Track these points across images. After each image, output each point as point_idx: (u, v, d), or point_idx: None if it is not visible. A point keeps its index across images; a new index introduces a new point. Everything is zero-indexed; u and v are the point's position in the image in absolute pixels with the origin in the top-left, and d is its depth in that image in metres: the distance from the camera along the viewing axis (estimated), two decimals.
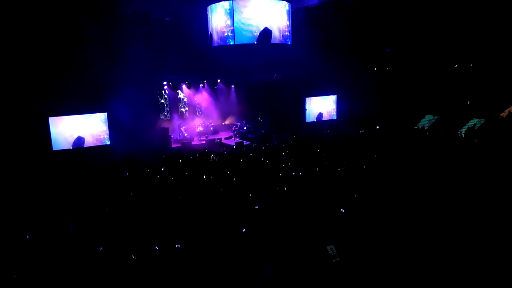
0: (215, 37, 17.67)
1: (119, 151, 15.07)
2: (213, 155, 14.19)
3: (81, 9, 14.97)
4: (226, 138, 19.94)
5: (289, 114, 20.42)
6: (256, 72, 20.52)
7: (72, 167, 13.22)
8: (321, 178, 10.55)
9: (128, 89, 15.73)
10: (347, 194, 8.78)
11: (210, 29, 18.01)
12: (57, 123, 14.91)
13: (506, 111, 17.22)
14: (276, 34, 17.22)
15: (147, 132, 16.41)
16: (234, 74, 20.63)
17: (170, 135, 18.24)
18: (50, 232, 7.36)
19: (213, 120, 21.49)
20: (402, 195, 8.53)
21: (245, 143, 18.15)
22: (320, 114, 21.04)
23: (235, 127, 20.87)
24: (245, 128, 21.02)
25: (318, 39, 18.87)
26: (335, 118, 21.51)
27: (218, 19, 17.18)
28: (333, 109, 21.47)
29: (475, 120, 17.77)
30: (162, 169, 12.36)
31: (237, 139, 19.43)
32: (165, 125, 18.93)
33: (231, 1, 16.55)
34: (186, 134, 19.69)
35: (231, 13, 16.61)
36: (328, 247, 5.93)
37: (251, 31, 16.87)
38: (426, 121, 19.89)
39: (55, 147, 14.82)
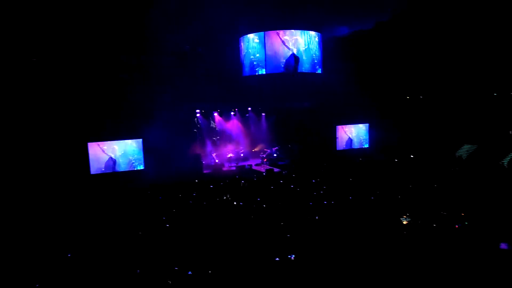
0: (246, 66, 18.12)
1: (152, 176, 15.47)
2: (244, 181, 14.24)
3: (123, 43, 15.90)
4: (256, 165, 19.99)
5: (320, 142, 20.31)
6: (287, 100, 20.72)
7: (108, 190, 13.67)
8: (353, 207, 10.30)
9: (162, 116, 16.31)
10: (379, 224, 8.50)
11: (241, 59, 18.52)
12: (95, 148, 15.57)
13: None
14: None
15: (180, 157, 16.78)
16: (264, 102, 20.95)
17: (202, 161, 18.53)
18: (86, 252, 7.54)
19: (244, 147, 21.69)
20: (438, 226, 8.16)
21: (275, 170, 18.12)
22: (352, 142, 20.82)
23: (265, 154, 20.94)
24: (275, 155, 21.03)
25: (349, 67, 18.92)
26: (367, 146, 21.22)
27: (249, 49, 17.67)
28: (365, 137, 21.21)
29: None
30: (194, 194, 12.50)
31: (267, 166, 19.43)
32: (197, 151, 19.29)
33: (262, 32, 17.04)
34: (217, 161, 19.93)
35: (262, 44, 17.06)
36: None
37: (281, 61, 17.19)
38: (464, 150, 19.16)
39: (93, 171, 15.43)
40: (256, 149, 22.39)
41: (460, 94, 19.64)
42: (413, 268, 6.31)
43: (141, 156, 16.43)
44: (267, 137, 22.40)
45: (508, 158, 16.73)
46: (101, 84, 15.84)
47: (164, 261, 6.97)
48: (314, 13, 16.72)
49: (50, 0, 13.54)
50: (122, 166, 16.05)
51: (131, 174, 16.11)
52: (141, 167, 16.41)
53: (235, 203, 11.13)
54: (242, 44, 18.14)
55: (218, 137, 21.61)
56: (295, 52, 17.02)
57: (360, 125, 21.13)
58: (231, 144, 21.62)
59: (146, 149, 16.44)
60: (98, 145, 15.60)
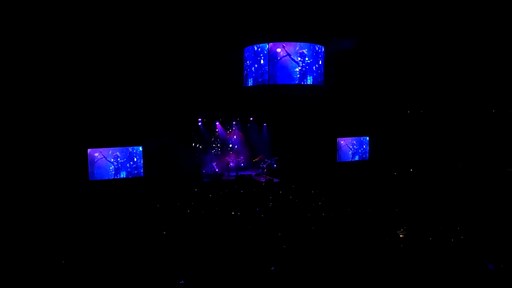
0: (249, 76, 18.26)
1: (152, 183, 15.48)
2: (243, 191, 14.24)
3: (123, 46, 16.00)
4: (256, 175, 19.99)
5: (320, 154, 20.36)
6: (289, 111, 20.82)
7: (107, 197, 13.69)
8: (351, 219, 10.28)
9: (163, 124, 16.39)
10: (376, 237, 8.49)
11: (245, 69, 18.66)
12: (95, 155, 15.65)
13: None
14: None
15: (180, 166, 16.81)
16: (266, 113, 21.05)
17: (202, 170, 18.55)
18: (81, 258, 7.54)
19: (244, 157, 21.72)
20: (434, 239, 8.14)
21: (275, 180, 18.11)
22: (352, 155, 20.88)
23: (265, 164, 20.95)
24: (275, 166, 21.03)
25: (352, 81, 19.04)
26: (367, 158, 21.27)
27: (253, 59, 17.83)
28: (366, 150, 21.28)
29: None
30: (193, 203, 12.50)
31: (267, 177, 19.42)
32: (197, 160, 19.32)
33: (267, 44, 17.19)
34: (217, 170, 19.94)
35: (265, 55, 17.21)
36: None
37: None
38: (462, 165, 19.13)
39: (92, 177, 15.47)
40: (256, 159, 22.41)
41: (460, 109, 19.72)
42: (409, 281, 6.29)
43: (140, 163, 16.49)
44: (268, 148, 22.43)
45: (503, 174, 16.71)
46: (103, 90, 15.93)
47: (159, 269, 6.96)
48: (318, 26, 16.87)
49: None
50: (121, 173, 16.11)
51: (130, 181, 16.13)
52: (141, 174, 16.46)
53: (233, 212, 11.12)
54: (246, 54, 18.30)
55: (219, 146, 21.65)
56: (298, 63, 17.16)
57: (361, 138, 21.21)
58: (232, 154, 21.66)
59: (146, 156, 16.49)
60: (101, 151, 15.68)
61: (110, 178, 15.86)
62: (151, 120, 16.12)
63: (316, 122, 20.88)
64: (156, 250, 8.07)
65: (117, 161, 16.05)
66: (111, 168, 15.92)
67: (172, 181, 15.73)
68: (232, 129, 21.85)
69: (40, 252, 7.88)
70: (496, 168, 17.50)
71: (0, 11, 13.02)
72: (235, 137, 22.01)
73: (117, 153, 16.06)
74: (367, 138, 21.33)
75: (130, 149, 16.36)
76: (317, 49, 17.57)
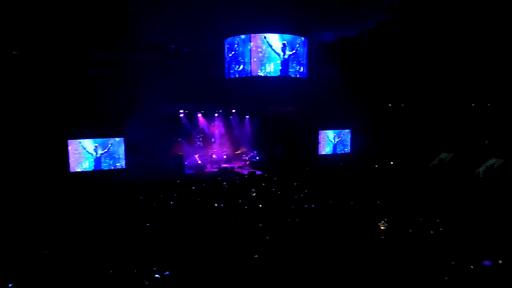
0: (231, 68, 18.15)
1: (134, 175, 15.28)
2: (225, 183, 14.24)
3: (103, 39, 15.64)
4: (238, 167, 20.01)
5: (302, 146, 20.50)
6: (271, 104, 20.84)
7: (87, 189, 13.45)
8: (333, 211, 10.44)
9: (145, 115, 16.15)
10: (359, 229, 8.66)
11: (226, 61, 18.53)
12: (75, 146, 15.30)
13: None
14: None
15: (162, 157, 16.66)
16: (248, 105, 21.00)
17: (184, 162, 18.43)
18: (63, 249, 7.42)
19: (227, 149, 21.69)
20: (415, 232, 8.36)
21: (258, 172, 18.17)
22: (334, 147, 21.14)
23: (248, 157, 20.98)
24: (257, 158, 21.09)
25: (333, 74, 19.18)
26: (349, 151, 21.57)
27: (235, 51, 17.72)
28: (347, 142, 21.57)
29: (493, 160, 17.50)
30: (175, 195, 12.42)
31: (250, 169, 19.46)
32: (180, 151, 19.18)
33: (249, 35, 17.09)
34: (199, 162, 19.84)
35: (248, 46, 17.12)
36: None
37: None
38: (441, 158, 19.65)
39: (72, 169, 15.15)
40: (238, 152, 22.41)
41: (440, 103, 20.19)
42: (390, 272, 6.45)
43: (123, 154, 16.24)
44: (250, 140, 22.45)
45: (483, 167, 17.26)
46: (83, 81, 15.57)
47: (142, 261, 6.91)
48: (301, 18, 16.86)
49: None
50: (103, 165, 15.83)
51: (112, 173, 15.88)
52: (123, 166, 16.22)
53: (216, 204, 11.11)
54: (227, 45, 18.15)
55: (201, 138, 21.52)
56: (281, 56, 17.15)
57: (343, 131, 21.46)
58: (214, 146, 21.59)
59: (128, 148, 16.25)
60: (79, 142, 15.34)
61: (90, 169, 15.56)
62: (132, 112, 15.85)
63: (298, 114, 21.00)
64: (139, 242, 8.01)
65: (97, 152, 15.75)
66: (91, 160, 15.61)
67: (154, 173, 15.57)
68: (214, 121, 21.72)
69: (22, 244, 7.70)
70: (475, 160, 18.05)
71: None
72: (217, 129, 21.92)
73: (97, 144, 15.75)
74: (349, 131, 21.60)
75: (111, 140, 16.06)
76: (299, 41, 17.61)
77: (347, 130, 21.65)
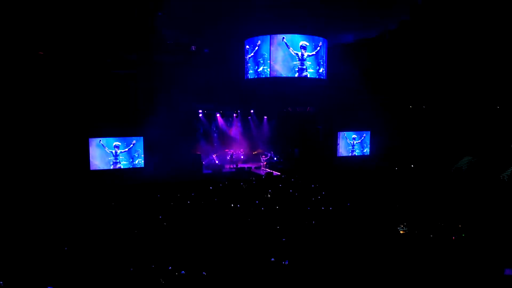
0: (250, 69, 18.17)
1: (152, 174, 15.48)
2: (243, 183, 14.25)
3: (126, 39, 15.92)
4: (256, 168, 20.00)
5: (321, 148, 20.31)
6: (289, 105, 20.76)
7: (107, 187, 13.70)
8: (351, 214, 10.28)
9: (165, 115, 16.34)
10: (376, 232, 8.48)
11: (246, 61, 18.57)
12: (96, 144, 15.62)
13: None
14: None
15: (181, 157, 16.80)
16: (267, 105, 20.99)
17: (202, 162, 18.54)
18: (82, 246, 7.56)
19: (244, 149, 21.70)
20: (435, 237, 8.13)
21: (275, 173, 18.11)
22: (352, 149, 20.86)
23: (265, 157, 20.95)
24: (275, 158, 21.03)
25: (354, 75, 18.94)
26: (368, 153, 21.23)
27: (254, 52, 17.73)
28: (367, 144, 21.23)
29: None
30: (193, 194, 12.51)
31: (267, 169, 19.42)
32: (198, 151, 19.32)
33: (268, 36, 17.07)
34: (217, 162, 19.93)
35: (268, 47, 17.10)
36: None
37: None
38: (464, 162, 19.09)
39: (93, 167, 15.47)
40: (256, 152, 22.41)
41: (463, 105, 19.63)
42: (409, 278, 6.29)
43: (142, 153, 16.46)
44: (268, 140, 22.41)
45: (508, 172, 16.66)
46: (104, 81, 15.88)
47: (159, 260, 6.97)
48: (320, 19, 16.74)
49: None
50: (122, 163, 16.10)
51: (131, 172, 16.12)
52: (142, 165, 16.45)
53: (232, 205, 11.12)
54: (247, 46, 18.18)
55: (219, 138, 21.63)
56: (301, 56, 17.06)
57: (363, 132, 21.14)
58: (232, 146, 21.65)
59: (147, 147, 16.47)
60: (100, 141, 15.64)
61: (110, 168, 15.85)
62: (152, 112, 16.06)
63: (317, 115, 20.83)
64: (157, 240, 8.08)
65: (117, 151, 16.02)
66: (111, 158, 15.89)
67: (172, 172, 15.73)
68: (232, 121, 21.81)
69: (43, 241, 7.89)
70: (498, 165, 17.47)
71: None
72: (235, 129, 21.99)
73: (118, 143, 16.01)
74: (369, 133, 21.27)
75: (133, 140, 16.32)
76: (319, 42, 17.47)
77: (366, 132, 21.30)
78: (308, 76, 17.20)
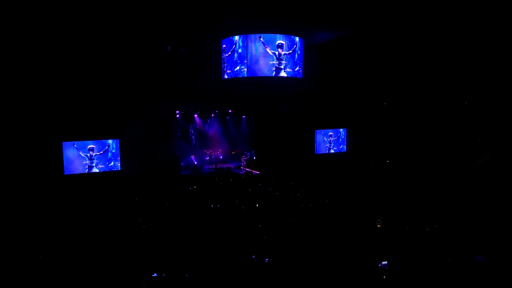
0: (227, 68, 18.15)
1: (129, 177, 15.23)
2: (222, 183, 14.23)
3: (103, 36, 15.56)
4: (235, 168, 20.01)
5: (298, 146, 20.53)
6: (267, 104, 20.86)
7: (82, 192, 13.39)
8: (330, 210, 10.46)
9: (140, 117, 16.10)
10: (355, 228, 8.67)
11: (222, 61, 18.53)
12: (70, 148, 15.22)
13: None
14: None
15: (158, 159, 16.61)
16: (245, 105, 21.03)
17: (180, 163, 18.39)
18: (58, 253, 7.37)
19: (223, 149, 21.67)
20: (410, 230, 8.39)
21: (254, 172, 18.18)
22: (329, 147, 21.19)
23: (244, 157, 20.99)
24: (254, 158, 21.09)
25: (330, 73, 19.24)
26: (345, 150, 21.63)
27: (231, 51, 17.73)
28: (343, 141, 21.63)
29: (487, 157, 17.59)
30: (172, 196, 12.39)
31: (246, 169, 19.47)
32: (176, 152, 19.14)
33: (245, 35, 17.09)
34: (196, 162, 19.82)
35: (244, 46, 17.12)
36: None
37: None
38: (436, 155, 19.72)
39: (67, 171, 15.07)
40: (235, 152, 22.41)
41: (435, 102, 20.25)
42: (387, 270, 6.46)
43: (118, 156, 16.16)
44: (247, 140, 22.46)
45: (477, 164, 17.35)
46: (76, 80, 15.47)
47: (140, 264, 6.89)
48: (295, 18, 16.90)
49: None
50: (98, 166, 15.76)
51: (107, 175, 15.81)
52: (118, 168, 16.15)
53: (212, 205, 11.10)
54: (224, 46, 18.14)
55: (197, 139, 21.50)
56: (276, 55, 17.17)
57: (339, 130, 21.51)
58: (211, 146, 21.56)
59: (123, 150, 16.18)
60: (74, 144, 15.24)
61: (85, 172, 15.48)
62: (128, 113, 15.80)
63: (295, 114, 21.02)
64: (135, 244, 7.97)
65: (92, 155, 15.67)
66: (85, 161, 15.53)
67: (150, 174, 15.53)
68: (210, 121, 21.73)
69: (16, 248, 7.65)
70: (469, 158, 18.15)
71: None
72: (213, 129, 21.91)
73: (93, 145, 15.65)
74: (345, 130, 21.67)
75: (108, 141, 16.00)
76: (296, 41, 17.63)
77: (343, 129, 21.69)
78: (285, 75, 17.34)
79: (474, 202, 10.81)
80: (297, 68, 17.96)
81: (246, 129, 22.51)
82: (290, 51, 17.48)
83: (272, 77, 17.17)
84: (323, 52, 19.65)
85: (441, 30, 17.32)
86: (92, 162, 15.61)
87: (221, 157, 21.15)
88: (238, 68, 17.47)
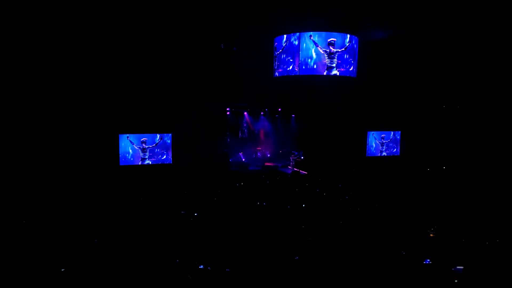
0: (279, 67, 18.08)
1: (180, 170, 15.75)
2: (269, 181, 14.22)
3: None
4: (282, 166, 19.93)
5: (349, 147, 19.98)
6: (318, 103, 20.51)
7: (136, 182, 14.07)
8: (379, 216, 10.04)
9: (193, 113, 16.54)
10: (405, 236, 8.23)
11: (275, 59, 18.50)
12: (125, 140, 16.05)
13: None
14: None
15: (208, 154, 16.99)
16: (295, 104, 20.84)
17: (229, 160, 18.67)
18: (111, 240, 7.77)
19: (272, 148, 21.67)
20: (466, 242, 7.79)
21: (301, 172, 17.97)
22: (383, 149, 20.37)
23: (293, 156, 20.84)
24: (302, 157, 20.87)
25: (384, 73, 18.47)
26: (398, 154, 20.69)
27: (283, 49, 17.63)
28: (397, 144, 20.69)
29: None
30: (219, 191, 12.61)
31: (294, 168, 19.31)
32: (225, 149, 19.48)
33: (297, 33, 16.91)
34: (244, 160, 20.02)
35: (296, 44, 16.95)
36: None
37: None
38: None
39: (122, 162, 15.91)
40: (283, 151, 22.34)
41: (499, 106, 18.72)
42: (436, 281, 6.07)
43: (170, 150, 16.77)
44: (295, 139, 22.28)
45: None
46: (136, 77, 16.23)
47: (185, 256, 7.06)
48: (351, 16, 16.43)
49: None
50: (151, 159, 16.47)
51: (158, 168, 16.46)
52: (169, 161, 16.76)
53: (258, 202, 11.12)
54: (275, 44, 18.10)
55: (246, 137, 21.69)
56: (328, 53, 16.81)
57: (393, 132, 20.62)
58: (259, 144, 21.67)
59: (175, 144, 16.76)
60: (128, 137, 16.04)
61: (139, 163, 16.24)
62: (181, 109, 16.35)
63: (346, 114, 20.47)
64: (182, 236, 8.19)
65: (145, 147, 16.39)
66: (140, 153, 16.29)
67: (200, 169, 15.94)
68: (260, 119, 21.82)
69: (72, 235, 8.17)
70: None
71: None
72: (262, 127, 21.99)
73: (145, 139, 16.37)
74: (399, 133, 20.72)
75: (159, 136, 16.66)
76: (349, 39, 17.14)
77: (397, 132, 20.76)
78: (337, 74, 16.93)
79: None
80: (350, 67, 17.46)
81: (295, 128, 22.33)
82: (343, 49, 17.03)
83: (323, 76, 16.85)
84: (378, 51, 18.93)
85: (507, 31, 15.97)
86: (145, 155, 16.33)
87: (268, 155, 21.17)
88: (290, 67, 17.35)
